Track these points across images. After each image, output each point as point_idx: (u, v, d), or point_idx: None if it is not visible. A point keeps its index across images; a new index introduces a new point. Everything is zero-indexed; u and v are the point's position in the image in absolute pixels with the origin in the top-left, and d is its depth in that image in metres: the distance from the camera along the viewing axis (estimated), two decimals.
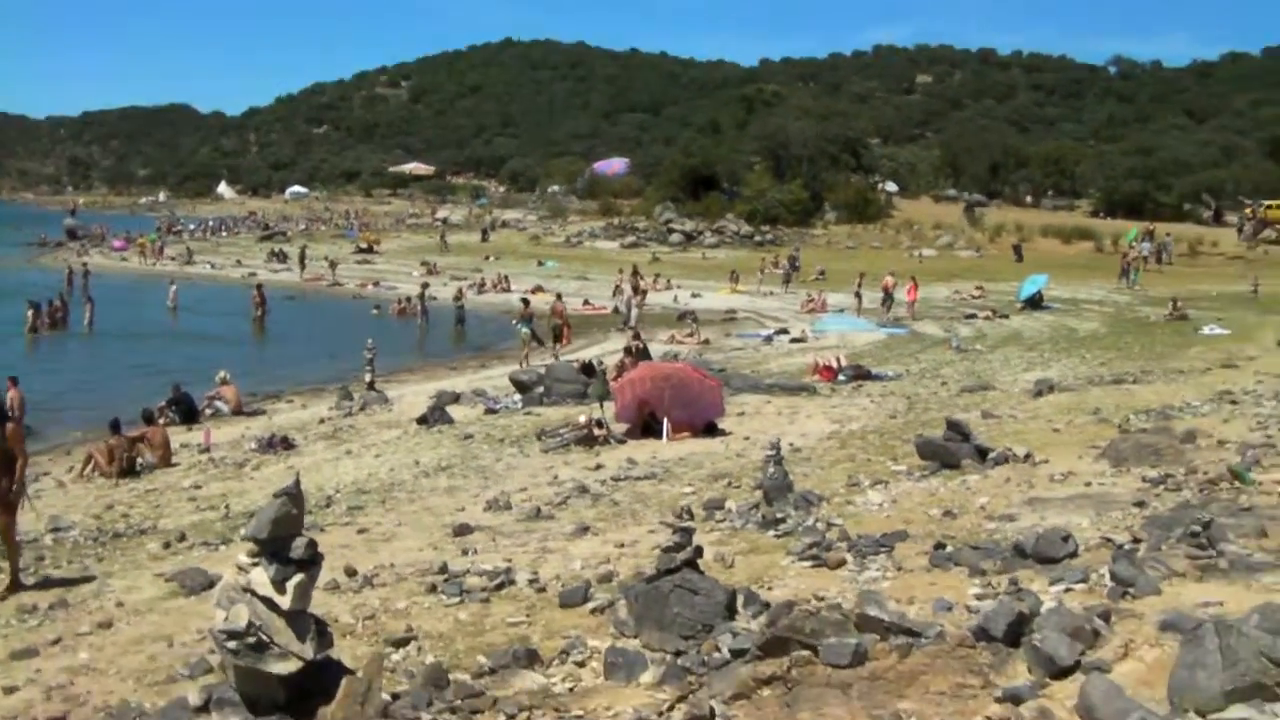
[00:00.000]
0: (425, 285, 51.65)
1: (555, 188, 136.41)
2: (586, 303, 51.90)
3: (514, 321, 38.61)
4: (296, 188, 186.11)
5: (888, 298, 46.68)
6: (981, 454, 14.82)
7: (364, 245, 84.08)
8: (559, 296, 41.57)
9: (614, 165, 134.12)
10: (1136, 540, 9.70)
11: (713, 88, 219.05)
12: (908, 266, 56.25)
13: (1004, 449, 14.99)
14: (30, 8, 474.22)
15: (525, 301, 38.90)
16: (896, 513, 12.31)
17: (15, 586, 12.27)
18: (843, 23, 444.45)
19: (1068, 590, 8.25)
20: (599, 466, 17.50)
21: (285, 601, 7.18)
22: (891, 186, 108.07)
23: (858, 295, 47.91)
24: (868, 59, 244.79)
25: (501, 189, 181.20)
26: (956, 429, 15.37)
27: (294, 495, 7.27)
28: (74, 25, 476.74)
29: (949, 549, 10.10)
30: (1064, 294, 51.73)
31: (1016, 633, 7.04)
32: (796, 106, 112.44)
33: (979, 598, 8.39)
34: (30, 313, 45.05)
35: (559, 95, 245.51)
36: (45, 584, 12.50)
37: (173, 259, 76.94)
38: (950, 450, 14.95)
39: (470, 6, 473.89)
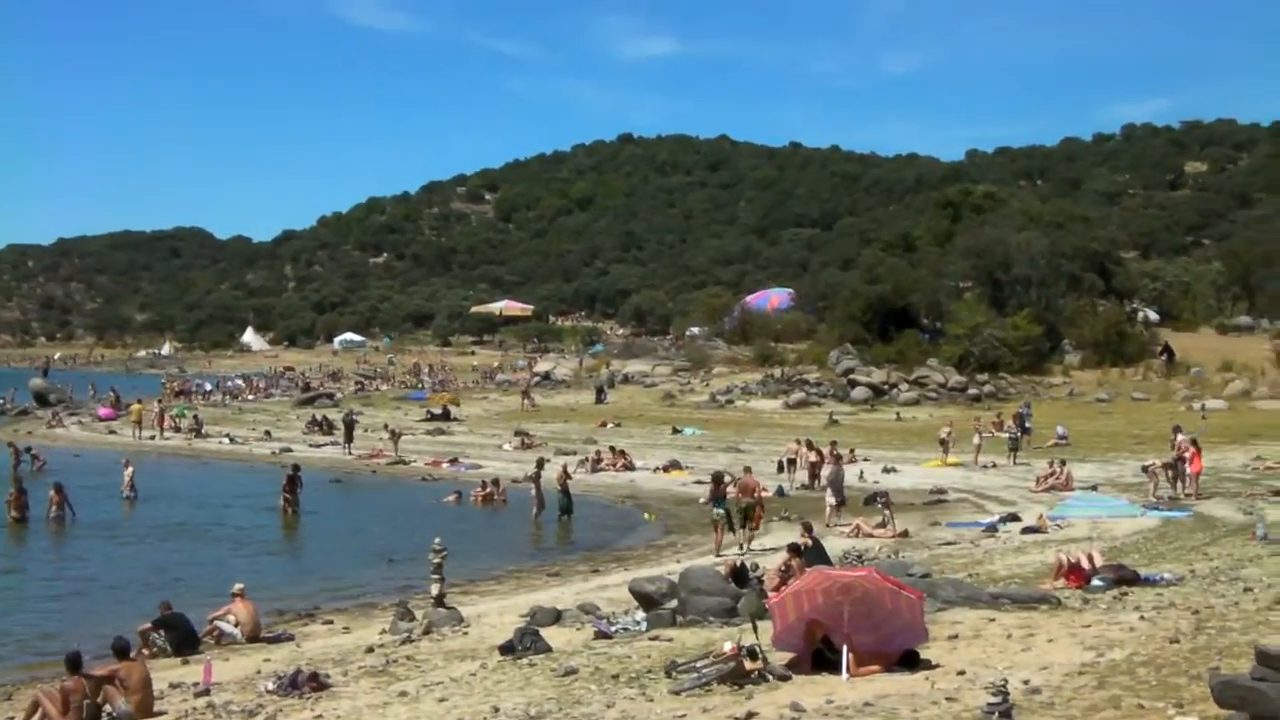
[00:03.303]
0: (541, 463, 51.62)
1: (695, 329, 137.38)
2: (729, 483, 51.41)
3: (702, 501, 39.79)
4: (348, 335, 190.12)
5: (1179, 468, 45.02)
6: None
7: (437, 410, 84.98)
8: (748, 470, 41.85)
9: (773, 298, 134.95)
10: None
11: (903, 191, 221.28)
12: (1187, 424, 54.67)
13: None
14: None
15: (718, 478, 38.84)
16: None
17: None
18: (1077, 99, 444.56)
19: None
20: (750, 715, 16.72)
21: None
22: (1154, 315, 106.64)
23: (1147, 468, 46.08)
24: (1115, 144, 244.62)
25: (622, 332, 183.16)
26: (1272, 662, 14.35)
27: None
28: (48, 135, 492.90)
29: None
30: None
31: None
32: (1019, 212, 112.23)
33: None
34: None
35: (696, 207, 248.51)
36: None
37: (178, 430, 78.60)
38: (1265, 695, 13.91)
39: (574, 95, 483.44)
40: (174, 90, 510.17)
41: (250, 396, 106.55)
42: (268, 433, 77.10)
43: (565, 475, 48.38)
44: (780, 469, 53.10)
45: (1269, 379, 77.70)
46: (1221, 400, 72.96)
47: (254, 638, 27.27)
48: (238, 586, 28.44)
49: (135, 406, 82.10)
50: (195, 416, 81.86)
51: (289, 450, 67.34)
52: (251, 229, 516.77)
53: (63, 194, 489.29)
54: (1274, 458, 51.74)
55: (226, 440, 74.77)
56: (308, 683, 21.55)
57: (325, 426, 77.00)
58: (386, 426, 72.16)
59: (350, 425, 70.50)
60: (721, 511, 37.42)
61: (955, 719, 15.56)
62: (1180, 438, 45.26)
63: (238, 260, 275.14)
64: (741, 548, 36.51)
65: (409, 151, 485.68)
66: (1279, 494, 42.77)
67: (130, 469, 53.48)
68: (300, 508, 48.30)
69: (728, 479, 40.11)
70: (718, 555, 34.92)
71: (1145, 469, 46.05)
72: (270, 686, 21.76)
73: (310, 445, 71.40)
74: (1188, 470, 44.13)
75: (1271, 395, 74.23)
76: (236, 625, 27.47)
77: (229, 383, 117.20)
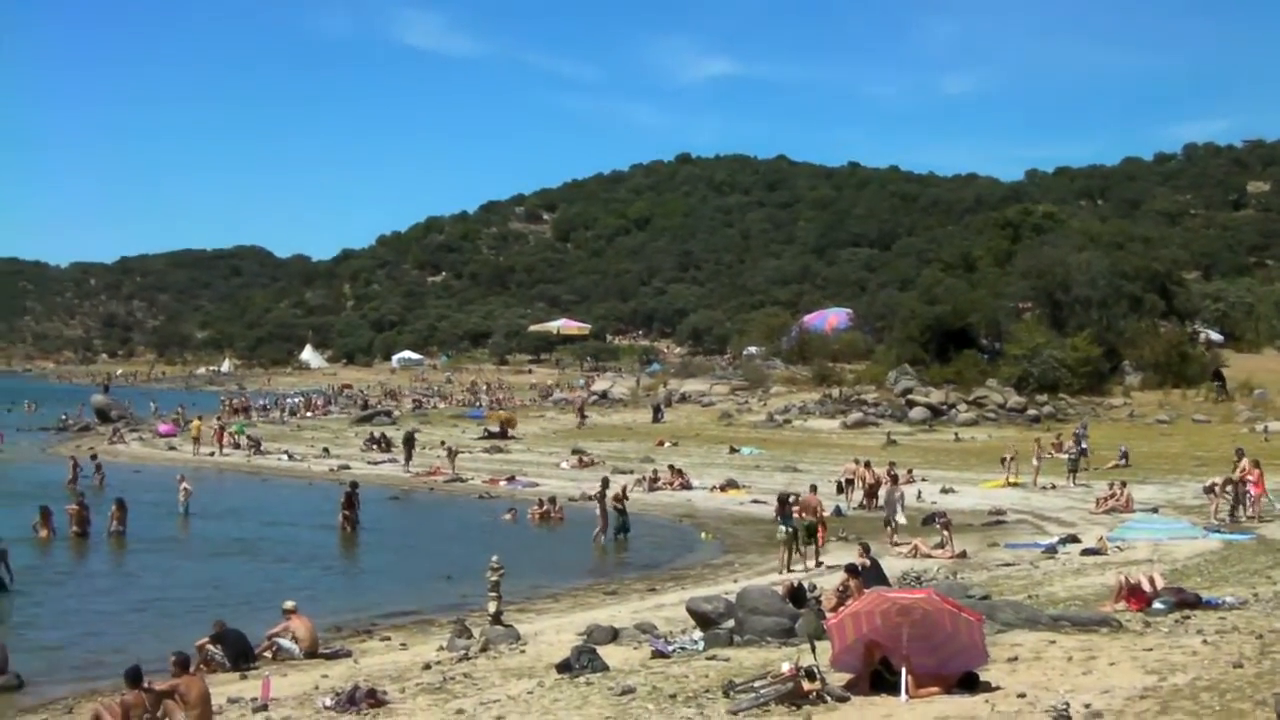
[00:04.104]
0: (606, 482, 50.76)
1: (752, 349, 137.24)
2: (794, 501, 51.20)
3: (776, 519, 39.46)
4: (406, 354, 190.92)
5: (1240, 490, 44.42)
6: None
7: (495, 428, 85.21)
8: (814, 488, 42.56)
9: (830, 318, 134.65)
10: None
11: (962, 210, 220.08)
12: (1250, 446, 54.02)
13: None
14: (51, 133, 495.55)
15: (784, 498, 38.95)
16: None
17: None
18: (1138, 118, 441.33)
19: None
20: None
21: None
22: (1216, 336, 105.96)
23: (1210, 490, 45.47)
24: (1177, 164, 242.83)
25: (680, 352, 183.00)
26: None
27: None
28: (111, 155, 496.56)
29: None
30: None
31: None
32: (1079, 231, 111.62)
33: None
34: (39, 519, 45.62)
35: (754, 227, 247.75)
36: None
37: (237, 446, 79.25)
38: None
39: (632, 115, 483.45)
40: (236, 112, 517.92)
41: (309, 414, 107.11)
42: (326, 450, 77.39)
43: (622, 495, 48.07)
44: (839, 489, 52.85)
45: None
46: None
47: (312, 653, 27.28)
48: (289, 604, 28.43)
49: (195, 423, 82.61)
50: (249, 435, 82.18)
51: (347, 467, 67.43)
52: (311, 248, 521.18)
53: (126, 213, 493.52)
54: None
55: (285, 457, 75.09)
56: (365, 699, 21.54)
57: (383, 444, 77.16)
58: (444, 444, 72.31)
59: (410, 442, 70.60)
60: (788, 530, 37.66)
61: None
62: (1245, 461, 44.73)
63: (297, 279, 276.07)
64: (808, 566, 36.98)
65: (467, 172, 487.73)
66: None
67: (185, 484, 53.68)
68: (359, 525, 48.48)
69: (793, 498, 40.14)
70: (786, 572, 35.57)
71: (1207, 490, 45.58)
72: (328, 702, 21.75)
73: (368, 463, 71.45)
74: (1250, 492, 43.74)
75: None
76: (295, 641, 27.53)
77: (287, 400, 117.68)
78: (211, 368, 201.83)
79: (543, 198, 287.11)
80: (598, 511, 47.25)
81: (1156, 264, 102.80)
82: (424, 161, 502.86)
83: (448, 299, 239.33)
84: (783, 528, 37.83)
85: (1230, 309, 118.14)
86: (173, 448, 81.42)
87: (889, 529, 42.37)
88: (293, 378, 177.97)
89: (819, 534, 39.03)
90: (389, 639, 29.84)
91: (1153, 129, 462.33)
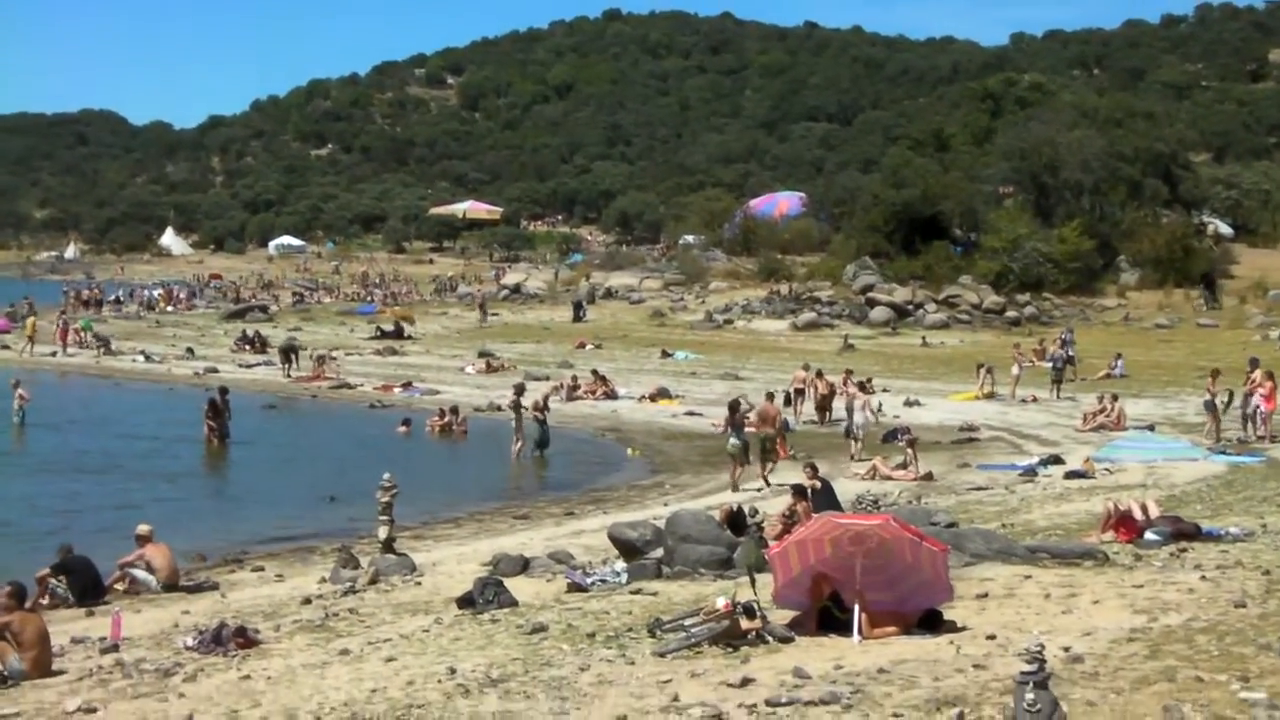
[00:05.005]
0: (521, 389, 49.63)
1: (689, 238, 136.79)
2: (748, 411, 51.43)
3: (714, 425, 41.03)
4: (286, 239, 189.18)
5: (1248, 404, 44.74)
6: None
7: (388, 327, 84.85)
8: (770, 396, 42.80)
9: (781, 203, 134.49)
10: None
11: (936, 80, 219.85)
12: (1265, 355, 54.29)
13: None
14: None
15: (734, 406, 39.13)
16: None
17: None
18: None
19: None
20: (746, 681, 16.69)
21: None
22: (1226, 228, 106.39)
23: (1210, 405, 46.06)
24: (1187, 28, 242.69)
25: (605, 240, 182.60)
26: None
27: None
28: None
29: None
30: None
31: None
32: (1071, 106, 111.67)
33: None
34: None
35: (694, 96, 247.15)
36: None
37: (84, 346, 78.68)
38: None
39: None
40: None
41: (170, 308, 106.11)
42: (190, 350, 76.99)
43: (543, 405, 47.83)
44: (786, 401, 52.83)
45: None
46: None
47: (171, 586, 27.08)
48: (144, 528, 28.12)
49: (31, 319, 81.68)
50: (98, 333, 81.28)
51: (215, 370, 66.84)
52: (173, 114, 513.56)
53: None
54: None
55: (141, 358, 74.45)
56: (233, 638, 21.36)
57: (257, 344, 76.61)
58: (310, 351, 71.01)
59: (289, 353, 68.22)
60: (739, 443, 37.94)
61: (983, 689, 15.51)
62: (1258, 373, 44.83)
63: (156, 150, 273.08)
64: (765, 484, 37.22)
65: (358, 27, 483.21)
66: None
67: (20, 390, 53.12)
68: (228, 437, 48.28)
69: (745, 406, 40.29)
70: (734, 491, 35.92)
71: (1209, 405, 45.78)
72: (190, 642, 21.53)
73: (240, 365, 71.17)
74: (1261, 407, 44.00)
75: None
76: (151, 571, 27.41)
77: (145, 292, 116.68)
78: (53, 253, 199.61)
79: (447, 59, 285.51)
80: (514, 423, 47.19)
81: (1160, 144, 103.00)
82: (307, 15, 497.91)
83: (335, 176, 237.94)
84: (733, 441, 38.08)
85: (1244, 197, 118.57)
86: (5, 347, 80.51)
87: (853, 442, 42.84)
88: (151, 266, 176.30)
89: (779, 448, 39.26)
90: (262, 569, 29.72)
91: None
